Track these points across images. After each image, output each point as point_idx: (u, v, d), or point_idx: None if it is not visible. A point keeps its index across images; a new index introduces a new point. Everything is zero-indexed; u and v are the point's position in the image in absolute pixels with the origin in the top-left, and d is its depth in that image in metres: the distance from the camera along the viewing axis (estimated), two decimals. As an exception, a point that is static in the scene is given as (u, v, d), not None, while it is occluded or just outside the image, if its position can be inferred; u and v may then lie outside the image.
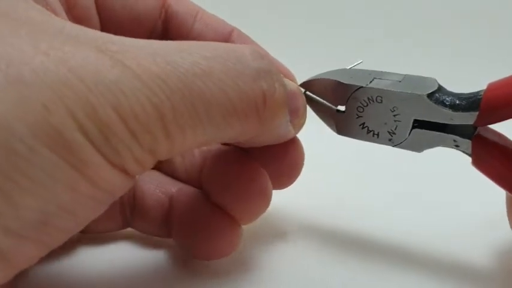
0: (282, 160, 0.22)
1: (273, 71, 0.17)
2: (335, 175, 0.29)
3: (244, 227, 0.22)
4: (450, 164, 0.27)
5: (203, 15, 0.22)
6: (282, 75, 0.18)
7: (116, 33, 0.21)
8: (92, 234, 0.23)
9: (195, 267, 0.21)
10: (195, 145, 0.16)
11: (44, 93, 0.13)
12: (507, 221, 0.20)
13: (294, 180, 0.22)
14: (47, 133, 0.13)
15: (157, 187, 0.22)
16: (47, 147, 0.13)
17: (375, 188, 0.28)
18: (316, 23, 0.43)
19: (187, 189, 0.22)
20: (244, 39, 0.23)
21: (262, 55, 0.17)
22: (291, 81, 0.20)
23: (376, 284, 0.20)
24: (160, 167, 0.23)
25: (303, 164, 0.22)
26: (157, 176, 0.23)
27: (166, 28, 0.22)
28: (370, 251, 0.22)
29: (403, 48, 0.41)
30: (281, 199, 0.24)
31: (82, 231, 0.22)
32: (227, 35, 0.22)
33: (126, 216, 0.23)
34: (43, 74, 0.13)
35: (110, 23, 0.21)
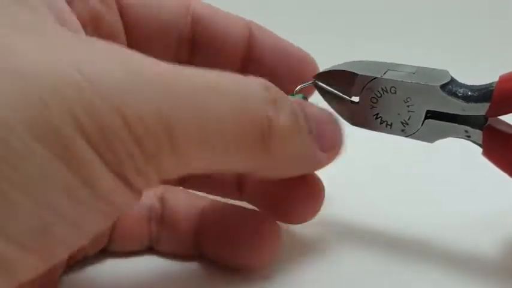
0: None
1: (279, 101, 0.17)
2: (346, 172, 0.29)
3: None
4: (459, 160, 0.27)
5: (223, 15, 0.22)
6: (295, 103, 0.18)
7: (143, 46, 0.21)
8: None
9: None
10: (202, 167, 0.15)
11: (41, 85, 0.12)
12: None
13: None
14: (42, 128, 0.12)
15: (186, 202, 0.22)
16: (41, 143, 0.12)
17: (383, 184, 0.28)
18: (325, 17, 0.43)
19: (217, 203, 0.22)
20: (264, 32, 0.23)
21: (269, 86, 0.17)
22: (316, 107, 0.20)
23: (382, 277, 0.21)
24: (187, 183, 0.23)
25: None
26: (184, 192, 0.23)
27: (194, 34, 0.22)
28: (375, 245, 0.23)
29: (415, 42, 0.41)
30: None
31: (103, 250, 0.22)
32: (248, 30, 0.22)
33: (152, 235, 0.22)
34: (41, 65, 0.12)
35: (136, 37, 0.21)
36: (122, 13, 0.20)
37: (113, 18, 0.20)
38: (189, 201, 0.22)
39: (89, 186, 0.13)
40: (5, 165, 0.11)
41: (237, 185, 0.23)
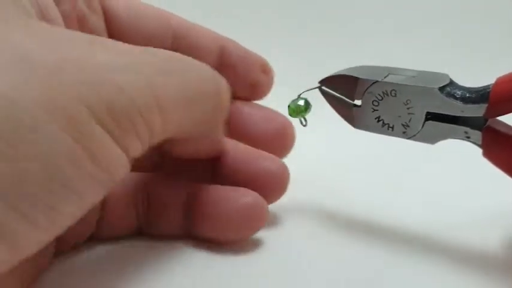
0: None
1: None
2: (347, 171, 0.30)
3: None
4: (460, 158, 0.27)
5: (199, 31, 0.25)
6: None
7: None
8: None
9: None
10: (175, 129, 0.18)
11: (46, 72, 0.14)
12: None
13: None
14: (49, 105, 0.13)
15: (171, 187, 0.23)
16: (49, 119, 0.13)
17: (385, 181, 0.28)
18: (325, 21, 0.44)
19: (203, 184, 0.23)
20: (232, 44, 0.25)
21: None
22: None
23: (382, 276, 0.21)
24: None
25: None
26: (167, 178, 0.24)
27: (177, 46, 0.24)
28: (374, 244, 0.23)
29: (415, 46, 0.41)
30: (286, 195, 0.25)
31: (93, 236, 0.22)
32: (219, 43, 0.25)
33: (140, 219, 0.23)
34: (45, 54, 0.14)
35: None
36: (106, 18, 0.22)
37: (97, 21, 0.22)
38: (173, 186, 0.23)
39: (95, 158, 0.14)
40: (19, 141, 0.13)
41: (211, 169, 0.24)
